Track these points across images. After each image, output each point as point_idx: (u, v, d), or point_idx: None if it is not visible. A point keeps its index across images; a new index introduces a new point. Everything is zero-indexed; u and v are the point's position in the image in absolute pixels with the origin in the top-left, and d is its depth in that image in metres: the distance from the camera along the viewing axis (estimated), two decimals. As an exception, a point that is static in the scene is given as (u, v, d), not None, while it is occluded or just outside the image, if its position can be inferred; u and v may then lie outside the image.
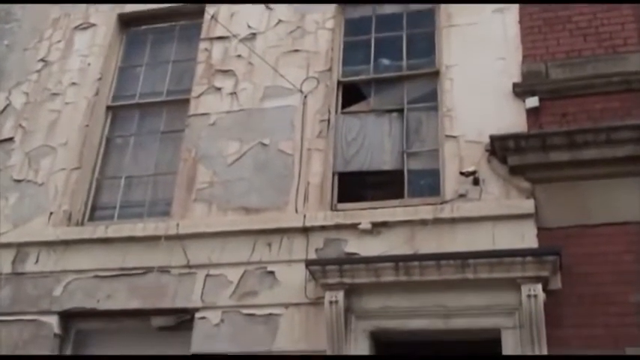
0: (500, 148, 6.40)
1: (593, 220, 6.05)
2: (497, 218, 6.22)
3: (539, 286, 5.68)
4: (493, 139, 6.43)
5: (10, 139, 8.21)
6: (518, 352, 5.71)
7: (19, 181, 7.89)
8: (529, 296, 5.65)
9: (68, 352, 7.03)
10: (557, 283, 5.87)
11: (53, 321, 6.98)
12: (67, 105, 8.22)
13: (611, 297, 5.76)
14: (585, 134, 6.18)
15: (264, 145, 7.26)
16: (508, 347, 5.78)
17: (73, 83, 8.34)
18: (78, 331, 7.12)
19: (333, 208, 6.84)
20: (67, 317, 7.06)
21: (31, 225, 7.55)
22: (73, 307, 7.00)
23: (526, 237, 6.09)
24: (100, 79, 8.29)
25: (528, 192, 6.28)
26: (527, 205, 6.19)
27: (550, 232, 6.08)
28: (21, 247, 7.40)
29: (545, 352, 5.59)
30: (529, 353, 5.61)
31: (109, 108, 8.27)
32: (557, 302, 5.80)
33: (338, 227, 6.59)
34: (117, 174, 7.89)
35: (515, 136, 6.36)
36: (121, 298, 6.91)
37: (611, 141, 6.11)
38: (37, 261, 7.30)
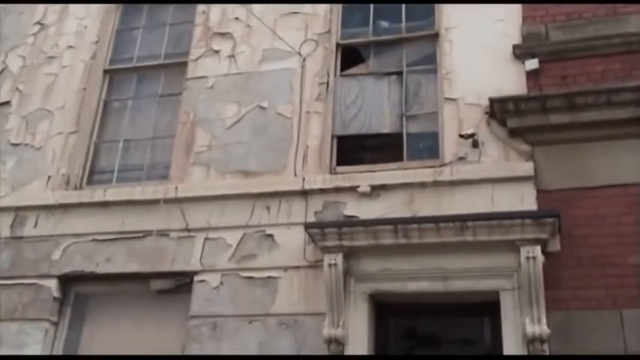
0: (499, 110, 6.37)
1: (592, 182, 6.03)
2: (497, 181, 6.21)
3: (538, 248, 5.67)
4: (492, 101, 6.39)
5: (7, 103, 8.17)
6: (517, 314, 5.73)
7: (16, 144, 7.86)
8: (528, 258, 5.65)
9: (68, 315, 7.04)
10: (556, 245, 5.88)
11: (52, 284, 6.99)
12: (63, 68, 8.16)
13: (610, 259, 5.76)
14: (585, 96, 6.15)
15: (262, 108, 7.22)
16: (507, 309, 5.80)
17: (70, 46, 8.28)
18: (77, 294, 7.13)
19: (332, 171, 6.81)
20: (66, 281, 7.07)
21: (30, 189, 7.54)
22: (71, 271, 7.01)
23: (525, 199, 6.09)
24: (96, 42, 8.22)
25: (528, 154, 6.27)
26: (527, 168, 6.18)
27: (549, 194, 6.07)
28: (19, 210, 7.39)
29: (543, 313, 5.60)
30: (528, 315, 5.62)
31: (106, 71, 8.18)
32: (556, 264, 5.81)
33: (337, 190, 6.58)
34: (115, 137, 7.83)
35: (515, 99, 6.32)
36: (119, 261, 6.92)
37: (612, 103, 6.08)
38: (35, 225, 7.30)
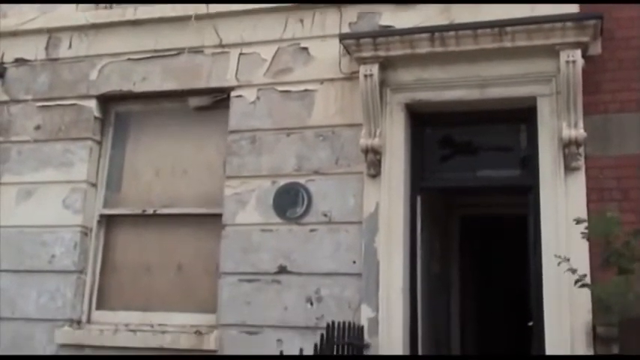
0: None
1: (638, -20, 5.81)
2: (537, -17, 6.01)
3: (579, 52, 5.56)
4: None
5: None
6: (554, 119, 5.74)
7: (41, -35, 7.70)
8: (567, 62, 5.55)
9: (110, 134, 7.21)
10: (597, 49, 5.77)
11: (92, 104, 7.10)
12: None
13: (652, 61, 5.67)
14: None
15: None
16: (544, 114, 5.81)
17: None
18: (117, 113, 7.25)
19: (366, -20, 6.63)
20: (106, 100, 7.17)
21: (60, 10, 7.43)
22: (110, 91, 7.08)
23: (566, 3, 5.89)
24: None
25: (571, -46, 6.00)
26: (570, -32, 5.95)
27: (592, -5, 5.87)
28: (52, 32, 7.36)
29: (580, 118, 5.58)
30: (565, 120, 5.61)
31: None
32: (596, 68, 5.73)
33: (371, -1, 6.45)
34: (140, -47, 7.62)
35: None
36: (156, 79, 6.96)
37: None
38: (70, 46, 7.30)
